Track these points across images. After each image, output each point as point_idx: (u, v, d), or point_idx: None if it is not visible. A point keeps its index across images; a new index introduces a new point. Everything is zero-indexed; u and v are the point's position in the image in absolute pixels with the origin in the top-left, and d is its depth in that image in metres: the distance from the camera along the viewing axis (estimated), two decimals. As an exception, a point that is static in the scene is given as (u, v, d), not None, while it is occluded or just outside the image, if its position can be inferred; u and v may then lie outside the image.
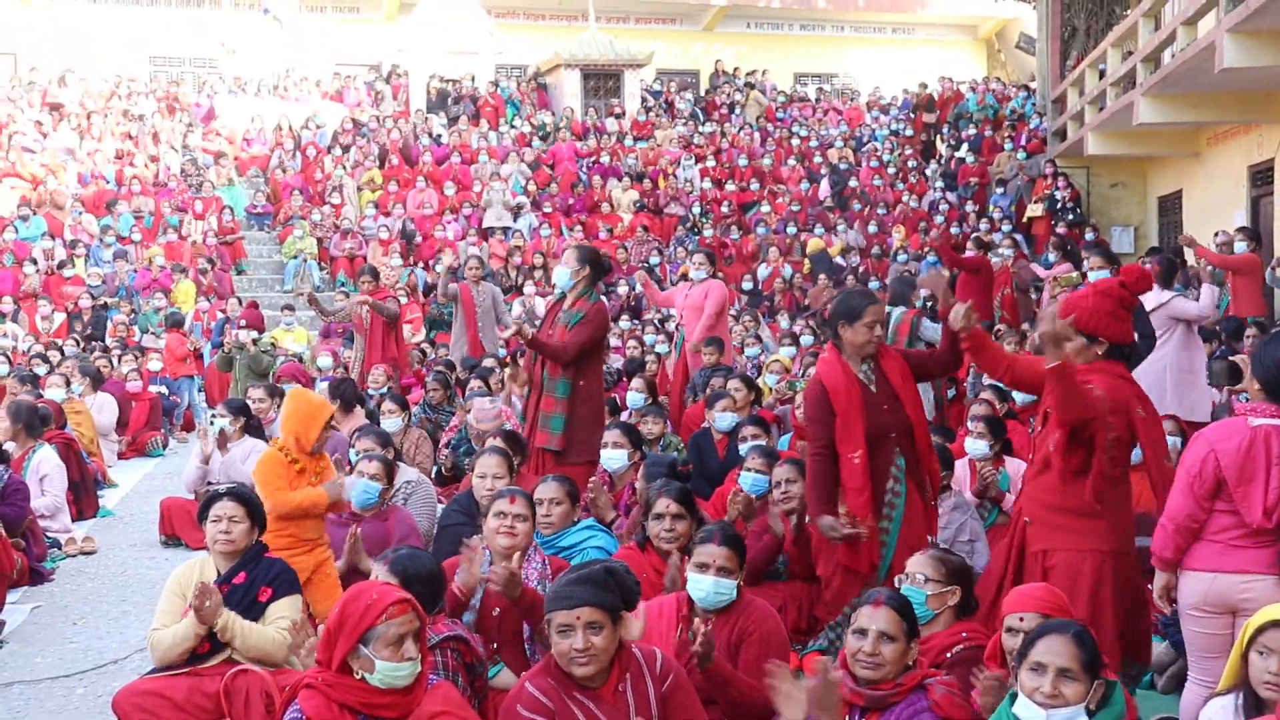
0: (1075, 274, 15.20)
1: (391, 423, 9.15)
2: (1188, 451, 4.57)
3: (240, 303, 16.99)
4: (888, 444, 5.43)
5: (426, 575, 4.36)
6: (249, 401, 9.45)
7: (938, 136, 25.72)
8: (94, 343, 15.71)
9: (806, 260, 19.95)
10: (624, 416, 9.25)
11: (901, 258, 19.28)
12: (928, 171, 23.67)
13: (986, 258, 15.30)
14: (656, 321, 15.80)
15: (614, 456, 7.17)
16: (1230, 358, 9.01)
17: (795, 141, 24.70)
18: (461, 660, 4.25)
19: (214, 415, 9.10)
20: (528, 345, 7.41)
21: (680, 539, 5.38)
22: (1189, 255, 14.43)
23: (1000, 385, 9.63)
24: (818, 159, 23.97)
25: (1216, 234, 14.93)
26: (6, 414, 8.92)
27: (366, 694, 3.70)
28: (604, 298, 7.80)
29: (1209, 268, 11.49)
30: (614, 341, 14.47)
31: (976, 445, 7.19)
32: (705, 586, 4.57)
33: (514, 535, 5.07)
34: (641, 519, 5.63)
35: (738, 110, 26.62)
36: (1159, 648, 5.75)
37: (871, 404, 5.43)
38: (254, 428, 9.03)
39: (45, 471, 8.77)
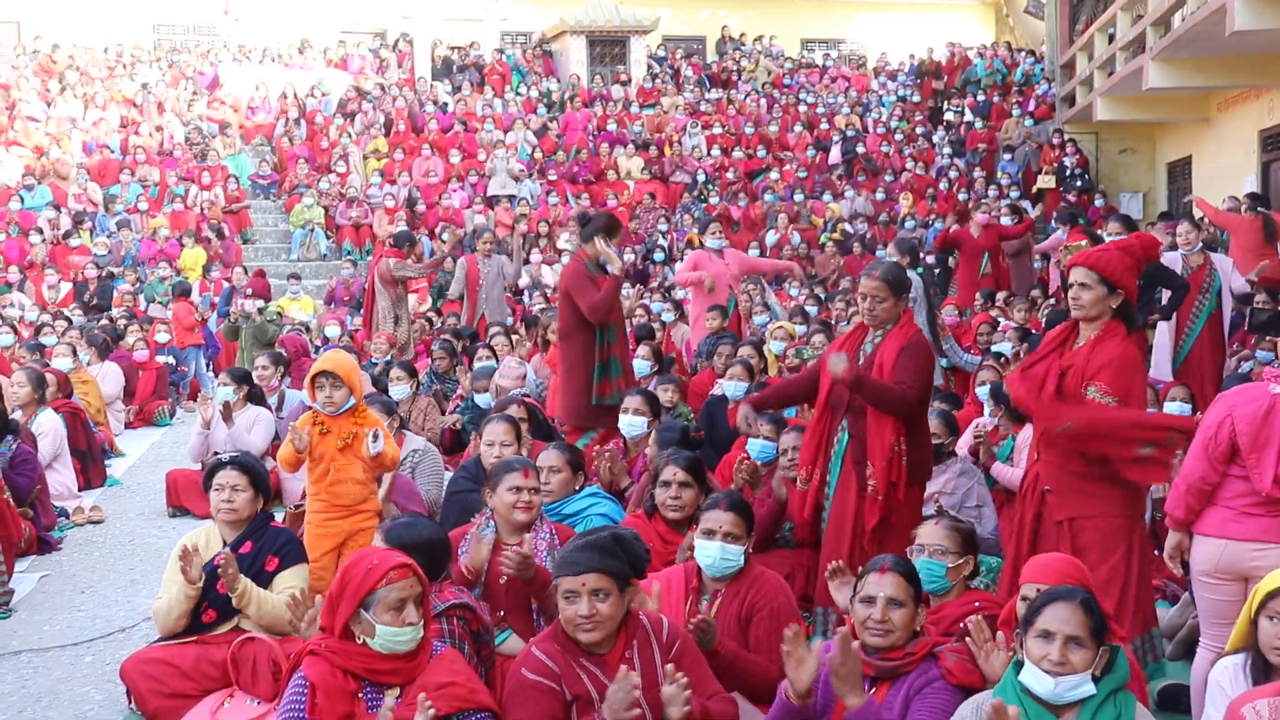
0: (1084, 242, 15.04)
1: (400, 390, 9.16)
2: (1208, 413, 4.57)
3: (246, 272, 16.96)
4: (837, 415, 5.44)
5: (425, 544, 4.31)
6: (255, 370, 9.46)
7: (945, 103, 25.56)
8: (100, 313, 15.70)
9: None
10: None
11: (909, 224, 19.18)
12: (935, 138, 23.54)
13: (966, 230, 14.70)
14: (664, 289, 15.77)
15: (635, 423, 7.07)
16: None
17: (802, 109, 24.56)
18: (468, 628, 4.24)
19: (219, 383, 9.12)
20: None
21: (686, 508, 5.38)
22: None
23: (1004, 353, 9.65)
24: (824, 126, 23.84)
25: (1224, 200, 14.85)
26: (28, 380, 8.95)
27: (369, 660, 3.70)
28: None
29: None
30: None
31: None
32: (712, 552, 4.56)
33: (531, 509, 5.06)
34: (650, 486, 5.62)
35: (744, 76, 26.44)
36: (1167, 613, 5.75)
37: None
38: (257, 396, 9.03)
39: (43, 431, 8.78)
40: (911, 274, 9.88)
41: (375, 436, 5.84)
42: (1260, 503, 4.34)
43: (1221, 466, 4.41)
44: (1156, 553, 5.75)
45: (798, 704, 3.74)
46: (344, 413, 5.89)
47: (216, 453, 8.29)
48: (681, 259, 17.65)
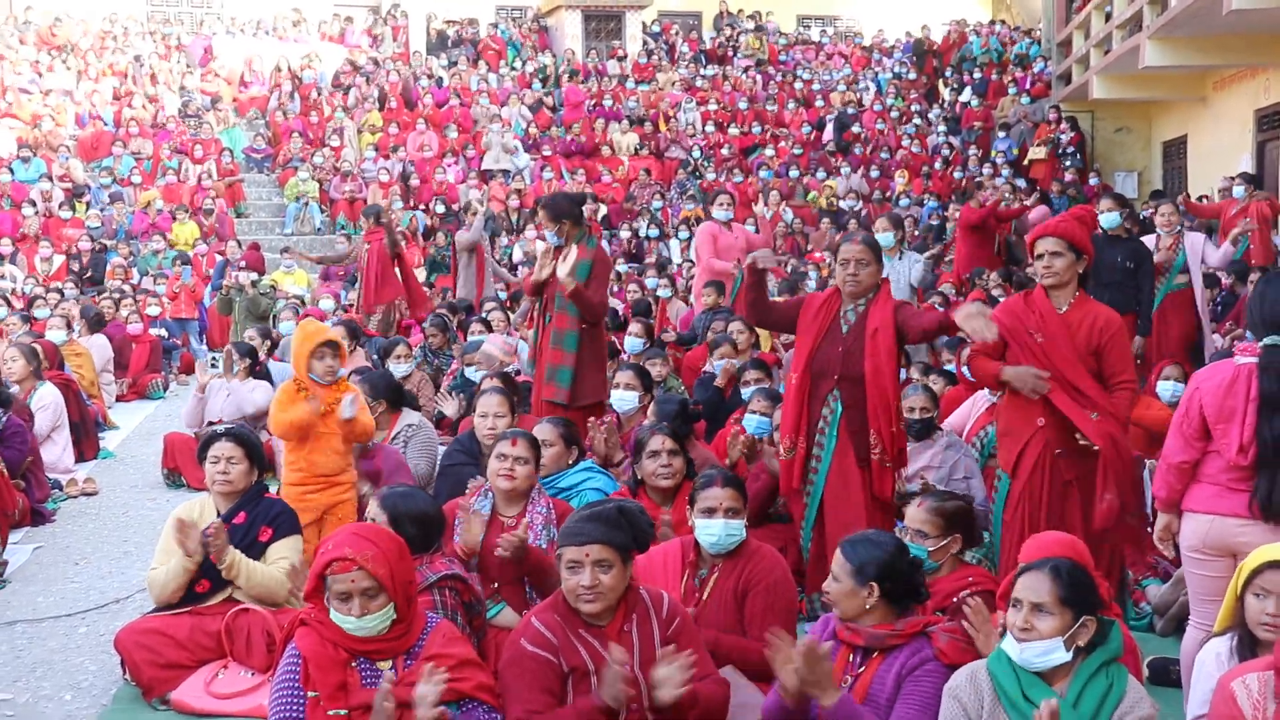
0: None
1: (402, 367, 9.21)
2: (1184, 392, 4.61)
3: (240, 245, 16.91)
4: (826, 383, 5.50)
5: (419, 515, 4.33)
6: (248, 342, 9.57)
7: (941, 80, 25.49)
8: (93, 285, 15.66)
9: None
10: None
11: (904, 202, 19.15)
12: (931, 115, 23.49)
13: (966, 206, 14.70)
14: (657, 265, 15.75)
15: (625, 398, 7.11)
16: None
17: (798, 85, 24.49)
18: (459, 599, 4.25)
19: (230, 355, 9.30)
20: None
21: (676, 475, 5.46)
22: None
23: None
24: (820, 103, 23.78)
25: (1219, 180, 14.84)
26: (21, 354, 8.93)
27: (350, 636, 3.69)
28: (603, 241, 7.81)
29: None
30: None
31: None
32: (715, 530, 4.55)
33: (514, 478, 5.05)
34: (633, 461, 5.65)
35: (741, 52, 26.34)
36: (1159, 590, 5.77)
37: (829, 339, 5.51)
38: (260, 371, 9.21)
39: (43, 405, 8.80)
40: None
41: (350, 401, 5.94)
42: (1243, 477, 4.35)
43: (1198, 444, 4.43)
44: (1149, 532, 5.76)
45: (790, 703, 3.74)
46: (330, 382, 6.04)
47: (212, 422, 8.36)
48: (676, 235, 17.63)
